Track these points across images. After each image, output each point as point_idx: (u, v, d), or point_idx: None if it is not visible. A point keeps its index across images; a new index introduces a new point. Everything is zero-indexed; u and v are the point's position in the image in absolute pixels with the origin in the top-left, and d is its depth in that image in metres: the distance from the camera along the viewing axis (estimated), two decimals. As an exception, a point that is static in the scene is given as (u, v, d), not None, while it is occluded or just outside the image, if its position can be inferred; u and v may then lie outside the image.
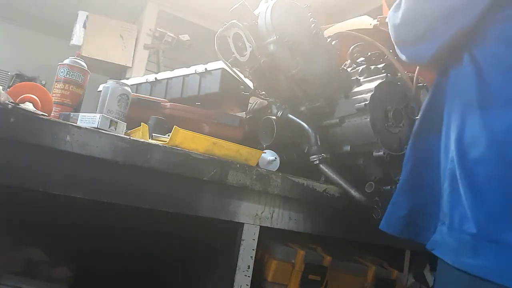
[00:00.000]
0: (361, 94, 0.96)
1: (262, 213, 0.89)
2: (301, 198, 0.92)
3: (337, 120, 0.99)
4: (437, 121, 0.72)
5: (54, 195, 0.70)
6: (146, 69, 3.24)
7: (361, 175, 0.98)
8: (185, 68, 1.27)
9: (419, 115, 0.79)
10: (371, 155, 0.94)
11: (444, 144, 0.69)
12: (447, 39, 0.68)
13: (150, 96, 1.26)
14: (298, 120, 1.02)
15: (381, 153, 0.92)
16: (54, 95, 1.00)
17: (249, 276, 0.86)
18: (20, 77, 2.42)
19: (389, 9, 0.77)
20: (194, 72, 1.22)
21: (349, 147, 0.97)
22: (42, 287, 0.97)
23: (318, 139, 0.99)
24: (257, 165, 0.92)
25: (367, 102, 0.92)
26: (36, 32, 4.02)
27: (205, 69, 1.19)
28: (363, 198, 0.91)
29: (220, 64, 1.16)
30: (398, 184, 0.77)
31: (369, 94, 0.93)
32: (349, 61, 1.10)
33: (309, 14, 1.03)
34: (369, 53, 1.08)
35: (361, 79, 1.01)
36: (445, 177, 0.66)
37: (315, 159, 0.97)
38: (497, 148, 0.58)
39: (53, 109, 0.97)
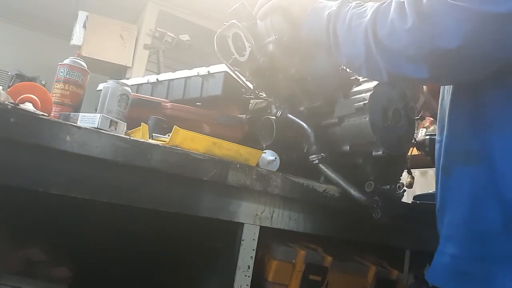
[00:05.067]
0: (360, 94, 0.96)
1: (262, 213, 0.89)
2: (301, 198, 0.92)
3: (336, 120, 0.99)
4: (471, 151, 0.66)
5: (54, 195, 0.70)
6: (146, 69, 3.25)
7: (360, 174, 0.98)
8: (187, 70, 1.27)
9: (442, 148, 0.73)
10: (370, 154, 0.94)
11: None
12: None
13: (151, 97, 1.26)
14: (297, 119, 1.02)
15: (380, 152, 0.92)
16: (54, 95, 1.00)
17: (249, 276, 0.86)
18: (20, 77, 2.42)
19: None
20: (197, 74, 1.22)
21: (348, 147, 0.98)
22: (42, 287, 0.97)
23: (317, 138, 0.99)
24: (257, 165, 0.92)
25: (366, 102, 0.92)
26: (36, 32, 4.02)
27: (208, 71, 1.19)
28: (363, 197, 0.91)
29: (223, 67, 1.17)
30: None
31: (368, 94, 0.93)
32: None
33: (309, 14, 1.03)
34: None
35: (360, 78, 1.01)
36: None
37: (314, 159, 0.97)
38: None
39: (53, 109, 0.97)
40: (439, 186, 0.74)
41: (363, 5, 0.74)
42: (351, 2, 0.77)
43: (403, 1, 0.64)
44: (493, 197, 0.63)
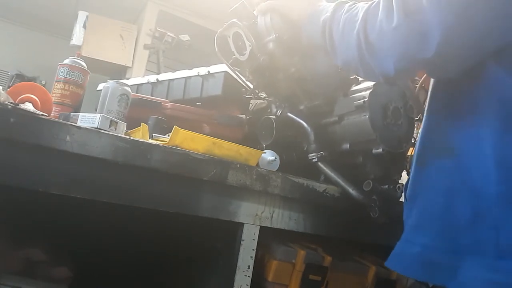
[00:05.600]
0: (360, 92, 0.97)
1: (262, 213, 0.89)
2: (301, 198, 0.92)
3: (336, 118, 0.99)
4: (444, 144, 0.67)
5: (54, 195, 0.70)
6: (146, 69, 3.25)
7: (360, 173, 0.98)
8: (187, 70, 1.27)
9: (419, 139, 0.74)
10: (370, 152, 0.94)
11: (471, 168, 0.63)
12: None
13: (151, 97, 1.26)
14: (297, 118, 1.02)
15: (380, 150, 0.92)
16: (54, 95, 1.00)
17: (249, 276, 0.86)
18: (20, 77, 2.42)
19: None
20: (197, 74, 1.22)
21: (348, 145, 0.98)
22: (42, 287, 0.97)
23: (317, 137, 0.99)
24: (257, 165, 0.92)
25: (366, 100, 0.92)
26: (36, 32, 4.02)
27: (208, 71, 1.19)
28: (361, 196, 0.91)
29: (223, 67, 1.17)
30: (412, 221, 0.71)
31: (368, 92, 0.94)
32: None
33: (309, 13, 1.04)
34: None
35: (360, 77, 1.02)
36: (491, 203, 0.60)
37: (313, 157, 0.98)
38: None
39: (53, 109, 0.97)
40: (412, 175, 0.75)
41: (356, 6, 0.74)
42: (345, 4, 0.78)
43: (391, 0, 0.64)
44: (465, 190, 0.63)
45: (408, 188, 0.76)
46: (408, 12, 0.62)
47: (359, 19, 0.69)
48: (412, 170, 0.75)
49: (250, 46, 0.98)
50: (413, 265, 0.68)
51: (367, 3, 0.71)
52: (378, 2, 0.67)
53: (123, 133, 0.84)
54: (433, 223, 0.67)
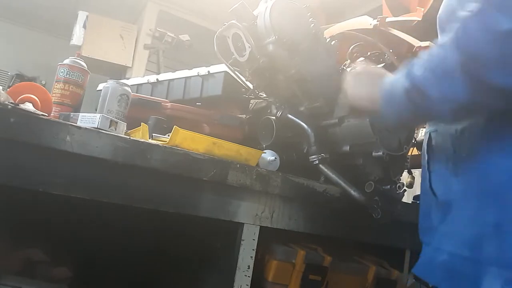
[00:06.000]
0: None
1: (262, 213, 0.89)
2: (301, 198, 0.92)
3: (337, 120, 0.99)
4: None
5: (54, 195, 0.70)
6: (146, 69, 3.25)
7: (360, 175, 0.98)
8: (187, 70, 1.27)
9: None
10: (370, 155, 0.94)
11: None
12: None
13: (151, 97, 1.26)
14: (297, 120, 1.02)
15: (380, 153, 0.92)
16: (54, 95, 1.00)
17: (249, 276, 0.86)
18: (20, 77, 2.42)
19: (389, 9, 0.74)
20: (197, 74, 1.22)
21: (348, 147, 0.98)
22: (42, 287, 0.97)
23: (317, 139, 0.99)
24: (257, 165, 0.92)
25: (366, 102, 0.92)
26: (36, 32, 4.03)
27: (208, 71, 1.19)
28: (363, 197, 0.91)
29: (223, 67, 1.16)
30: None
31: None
32: (349, 61, 1.11)
33: (309, 14, 1.04)
34: (368, 53, 1.08)
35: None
36: None
37: (314, 159, 0.97)
38: None
39: (53, 109, 0.97)
40: (446, 179, 0.72)
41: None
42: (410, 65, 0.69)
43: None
44: (492, 200, 0.62)
45: (440, 192, 0.73)
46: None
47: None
48: (444, 173, 0.72)
49: (249, 47, 0.98)
50: (437, 273, 0.67)
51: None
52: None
53: (123, 133, 0.84)
54: (461, 230, 0.66)
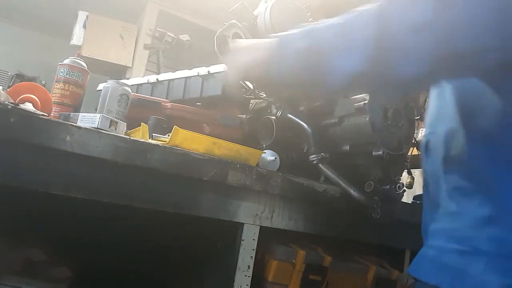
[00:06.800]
0: (361, 94, 0.96)
1: (262, 213, 0.89)
2: (301, 198, 0.92)
3: (336, 120, 0.99)
4: None
5: (54, 195, 0.70)
6: (146, 69, 3.25)
7: (360, 174, 0.98)
8: (187, 70, 1.27)
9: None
10: (370, 154, 0.94)
11: None
12: None
13: (151, 97, 1.26)
14: (297, 119, 1.02)
15: (380, 152, 0.92)
16: (54, 95, 1.00)
17: (249, 276, 0.86)
18: (20, 77, 2.42)
19: None
20: (197, 74, 1.22)
21: (348, 147, 0.98)
22: (42, 287, 0.97)
23: (317, 138, 0.99)
24: (257, 165, 0.92)
25: (366, 101, 0.92)
26: (36, 32, 4.02)
27: (208, 71, 1.19)
28: (362, 197, 0.91)
29: (223, 67, 1.16)
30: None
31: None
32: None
33: (309, 14, 1.04)
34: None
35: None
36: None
37: (314, 159, 0.98)
38: None
39: (53, 109, 0.97)
40: (437, 178, 0.72)
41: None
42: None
43: None
44: (479, 193, 0.62)
45: (432, 190, 0.74)
46: None
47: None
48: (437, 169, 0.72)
49: (249, 46, 0.97)
50: (426, 267, 0.67)
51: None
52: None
53: (123, 133, 0.84)
54: (449, 224, 0.66)
